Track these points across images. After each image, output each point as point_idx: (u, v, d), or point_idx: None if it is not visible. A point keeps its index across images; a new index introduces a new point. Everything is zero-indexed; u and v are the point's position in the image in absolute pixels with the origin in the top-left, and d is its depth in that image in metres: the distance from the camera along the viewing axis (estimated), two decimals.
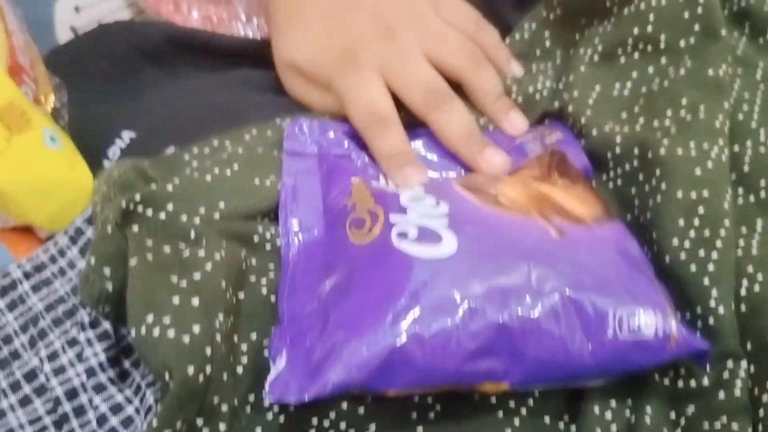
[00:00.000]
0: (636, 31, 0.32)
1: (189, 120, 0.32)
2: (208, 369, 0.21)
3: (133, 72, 0.36)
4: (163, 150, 0.30)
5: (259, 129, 0.31)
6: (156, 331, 0.21)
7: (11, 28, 0.32)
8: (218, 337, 0.22)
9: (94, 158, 0.32)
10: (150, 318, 0.22)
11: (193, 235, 0.26)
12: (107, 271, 0.24)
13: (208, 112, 0.33)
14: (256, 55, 0.36)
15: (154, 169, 0.28)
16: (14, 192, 0.27)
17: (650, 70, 0.31)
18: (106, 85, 0.35)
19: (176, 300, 0.23)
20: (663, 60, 0.31)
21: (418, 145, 0.31)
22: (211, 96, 0.34)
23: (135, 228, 0.25)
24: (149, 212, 0.26)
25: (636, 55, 0.32)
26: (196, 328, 0.22)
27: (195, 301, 0.23)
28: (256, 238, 0.27)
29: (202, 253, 0.25)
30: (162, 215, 0.26)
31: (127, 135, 0.32)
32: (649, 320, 0.22)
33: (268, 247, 0.27)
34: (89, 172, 0.30)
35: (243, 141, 0.31)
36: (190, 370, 0.21)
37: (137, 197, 0.25)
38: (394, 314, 0.21)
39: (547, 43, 0.36)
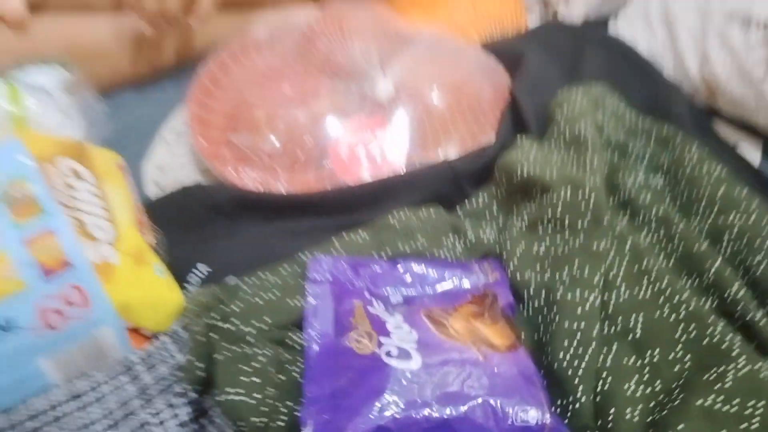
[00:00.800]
0: (550, 213, 0.48)
1: (247, 258, 0.47)
2: (265, 420, 0.36)
3: (207, 222, 0.52)
4: (228, 280, 0.45)
5: (290, 264, 0.47)
6: (234, 397, 0.36)
7: (131, 191, 0.48)
8: (269, 402, 0.37)
9: (179, 281, 0.47)
10: (230, 390, 0.36)
11: (251, 339, 0.40)
12: (200, 364, 0.38)
13: (259, 252, 0.48)
14: (293, 208, 0.52)
15: (223, 294, 0.43)
16: (136, 305, 0.42)
17: (557, 239, 0.47)
18: (188, 231, 0.51)
19: (244, 379, 0.37)
20: (566, 234, 0.47)
21: (410, 265, 0.46)
22: (263, 240, 0.50)
23: (215, 335, 0.40)
24: (223, 325, 0.41)
25: (549, 228, 0.47)
26: (257, 396, 0.36)
27: (256, 380, 0.37)
28: (289, 341, 0.41)
29: (257, 350, 0.39)
30: (231, 326, 0.41)
31: (203, 268, 0.47)
32: (534, 414, 0.36)
33: (297, 347, 0.41)
34: (180, 292, 0.45)
35: (280, 273, 0.46)
36: (255, 420, 0.35)
37: (215, 315, 0.40)
38: (381, 405, 0.35)
39: (494, 210, 0.52)
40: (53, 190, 0.39)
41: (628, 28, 0.68)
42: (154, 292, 0.43)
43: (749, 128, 0.60)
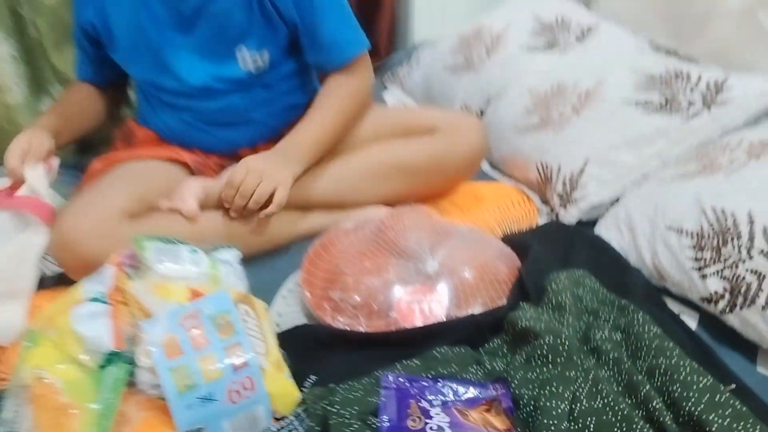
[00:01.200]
0: (539, 352, 0.73)
1: (339, 373, 0.73)
2: None
3: (314, 349, 0.78)
4: (330, 386, 0.71)
5: (369, 377, 0.72)
6: None
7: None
8: None
9: (298, 385, 0.72)
10: None
11: (347, 418, 0.65)
12: (318, 428, 0.64)
13: (348, 370, 0.74)
14: (370, 342, 0.79)
15: (327, 392, 0.69)
16: (275, 395, 0.67)
17: (543, 369, 0.71)
18: (302, 354, 0.77)
19: None
20: (549, 366, 0.71)
21: (447, 382, 0.71)
22: (350, 362, 0.76)
23: (328, 412, 0.65)
24: (331, 408, 0.66)
25: (538, 362, 0.72)
26: None
27: None
28: (370, 422, 0.66)
29: (353, 422, 0.64)
30: (334, 409, 0.66)
31: (313, 377, 0.73)
32: None
33: (374, 426, 0.66)
34: (298, 390, 0.70)
35: (363, 383, 0.72)
36: None
37: (326, 402, 0.66)
38: None
39: (504, 349, 0.77)
40: (240, 321, 0.67)
41: (605, 230, 0.97)
42: (285, 389, 0.69)
43: (689, 302, 0.86)
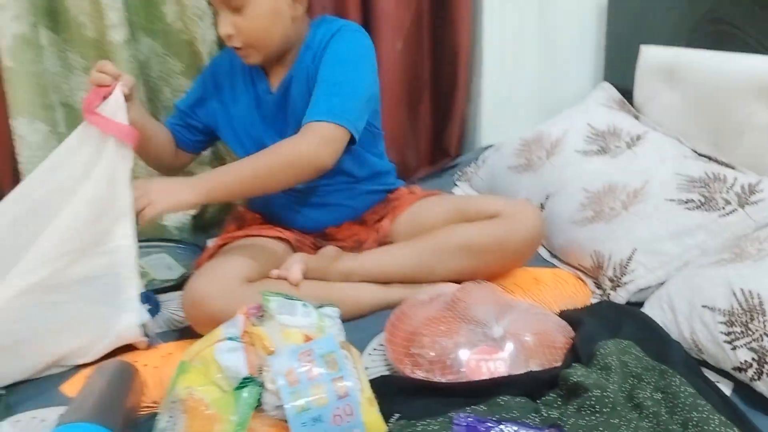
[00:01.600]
0: (588, 403, 0.86)
1: (419, 414, 0.88)
2: None
3: (397, 394, 0.94)
4: (411, 422, 0.86)
5: (444, 418, 0.87)
6: None
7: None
8: None
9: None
10: None
11: None
12: None
13: (425, 411, 0.89)
14: (444, 391, 0.94)
15: (410, 426, 0.84)
16: (370, 424, 0.83)
17: (593, 417, 0.85)
18: (388, 397, 0.93)
19: None
20: (597, 415, 0.85)
21: (509, 425, 0.85)
22: (427, 406, 0.91)
23: None
24: None
25: (588, 411, 0.86)
26: None
27: None
28: None
29: None
30: None
31: (396, 415, 0.89)
32: None
33: None
34: (385, 424, 0.86)
35: (439, 421, 0.86)
36: None
37: None
38: None
39: (558, 401, 0.91)
40: (343, 360, 0.84)
41: (650, 309, 1.11)
42: (376, 421, 0.84)
43: (724, 372, 0.98)
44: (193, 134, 1.37)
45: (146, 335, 1.11)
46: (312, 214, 1.34)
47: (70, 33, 1.45)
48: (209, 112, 1.36)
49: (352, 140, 1.18)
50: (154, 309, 1.20)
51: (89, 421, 0.80)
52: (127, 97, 1.11)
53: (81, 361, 1.08)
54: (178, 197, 1.08)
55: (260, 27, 1.18)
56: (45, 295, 1.03)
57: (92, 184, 1.06)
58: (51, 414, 0.96)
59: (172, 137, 1.36)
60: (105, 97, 1.08)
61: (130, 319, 1.09)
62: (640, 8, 1.70)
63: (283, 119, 1.27)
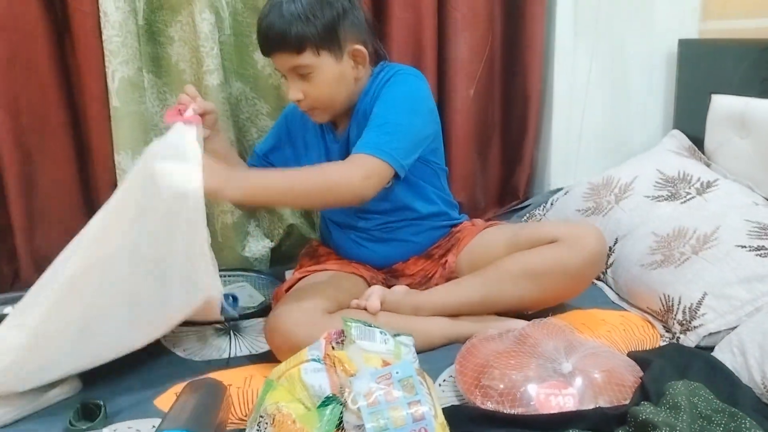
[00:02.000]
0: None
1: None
2: None
3: (467, 422, 0.98)
4: None
5: None
6: None
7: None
8: None
9: None
10: None
11: None
12: None
13: None
14: (513, 422, 0.97)
15: None
16: None
17: None
18: (457, 427, 0.97)
19: None
20: None
21: None
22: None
23: None
24: None
25: None
26: None
27: None
28: None
29: None
30: None
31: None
32: None
33: None
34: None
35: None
36: None
37: None
38: None
39: None
40: (419, 384, 0.89)
41: (720, 353, 1.12)
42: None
43: None
44: None
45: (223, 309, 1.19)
46: (379, 249, 1.41)
47: (170, 77, 1.59)
48: (283, 159, 1.46)
49: (396, 177, 1.25)
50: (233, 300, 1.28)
51: (185, 428, 0.87)
52: (211, 127, 1.24)
53: (160, 334, 1.18)
54: (223, 190, 1.10)
55: (326, 92, 1.27)
56: (113, 268, 1.06)
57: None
58: (145, 425, 1.05)
59: None
60: (181, 113, 1.18)
61: (210, 283, 1.12)
62: (711, 58, 1.73)
63: None
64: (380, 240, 1.40)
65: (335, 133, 1.38)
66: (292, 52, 1.22)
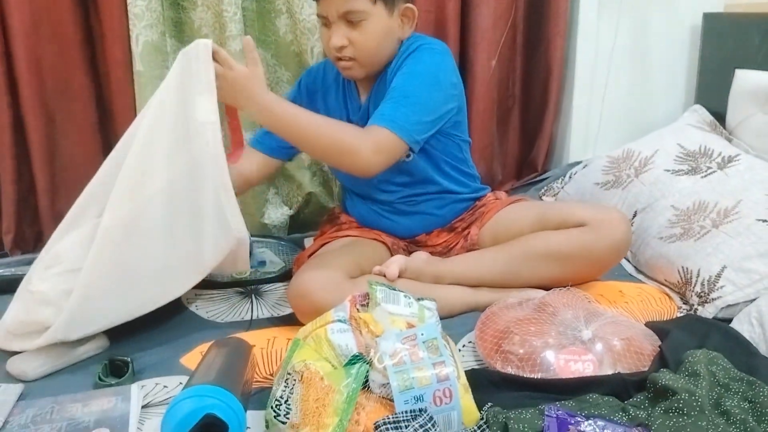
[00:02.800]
0: (676, 405, 0.90)
1: (507, 405, 0.94)
2: None
3: (487, 385, 1.00)
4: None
5: (535, 409, 0.92)
6: None
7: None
8: None
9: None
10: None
11: (523, 430, 0.86)
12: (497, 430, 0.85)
13: (515, 403, 0.94)
14: (533, 386, 0.99)
15: (504, 412, 0.90)
16: (464, 408, 0.89)
17: (680, 419, 0.88)
18: (479, 388, 0.98)
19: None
20: (684, 417, 0.88)
21: (596, 421, 0.89)
22: (516, 398, 0.96)
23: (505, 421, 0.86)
24: (507, 424, 0.87)
25: (676, 413, 0.89)
26: None
27: None
28: None
29: None
30: (508, 424, 0.87)
31: (487, 406, 0.95)
32: None
33: None
34: (478, 411, 0.92)
35: (531, 412, 0.92)
36: None
37: (503, 419, 0.87)
38: None
39: (646, 403, 0.95)
40: (443, 346, 0.91)
41: (738, 324, 1.13)
42: (470, 407, 0.91)
43: None
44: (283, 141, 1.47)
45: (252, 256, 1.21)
46: (403, 221, 1.41)
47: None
48: None
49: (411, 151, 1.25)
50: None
51: (214, 384, 0.89)
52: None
53: (194, 282, 1.17)
54: (246, 106, 1.12)
55: (373, 43, 1.25)
56: (155, 207, 1.09)
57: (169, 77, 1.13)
58: (173, 381, 1.07)
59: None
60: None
61: (240, 223, 1.13)
62: (735, 32, 1.71)
63: None
64: (403, 213, 1.41)
65: (359, 99, 1.38)
66: None
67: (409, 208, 1.40)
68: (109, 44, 1.51)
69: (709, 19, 1.79)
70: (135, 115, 1.51)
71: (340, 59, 1.27)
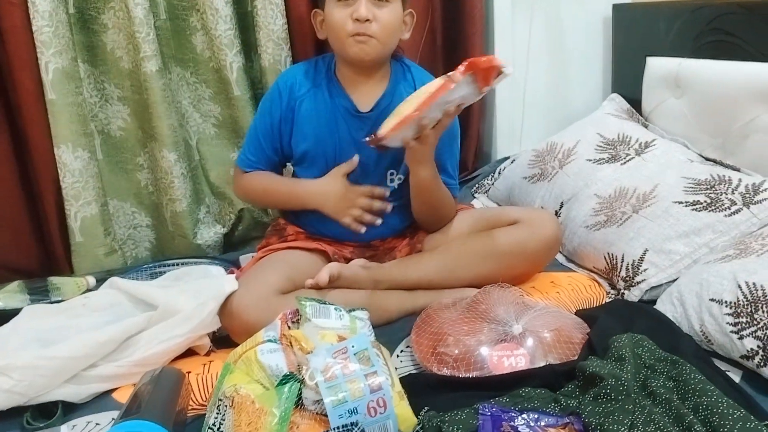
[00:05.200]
0: (604, 391, 0.92)
1: (444, 407, 0.95)
2: None
3: (424, 389, 1.00)
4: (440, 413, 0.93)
5: (470, 409, 0.93)
6: None
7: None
8: None
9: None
10: None
11: None
12: None
13: (452, 404, 0.95)
14: (469, 385, 1.00)
15: (439, 416, 0.91)
16: (399, 416, 0.90)
17: (608, 404, 0.91)
18: (413, 393, 0.99)
19: None
20: (613, 402, 0.91)
21: (530, 414, 0.91)
22: (453, 399, 0.97)
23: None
24: (441, 428, 0.88)
25: (604, 399, 0.92)
26: None
27: None
28: None
29: None
30: (442, 428, 0.88)
31: (426, 408, 0.95)
32: None
33: None
34: (414, 416, 0.92)
35: (466, 412, 0.93)
36: None
37: (437, 424, 0.88)
38: None
39: (576, 391, 0.97)
40: (375, 356, 0.91)
41: (661, 305, 1.17)
42: (406, 414, 0.91)
43: (733, 362, 1.03)
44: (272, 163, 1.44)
45: None
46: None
47: (107, 65, 1.55)
48: (285, 140, 1.39)
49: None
50: None
51: (145, 418, 0.87)
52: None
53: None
54: None
55: (393, 26, 1.30)
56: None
57: None
58: (105, 418, 1.04)
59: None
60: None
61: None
62: (644, 21, 1.77)
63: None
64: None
65: (352, 102, 1.35)
66: None
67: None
68: (18, 74, 1.45)
69: (618, 9, 1.85)
70: (50, 145, 1.48)
71: (357, 34, 1.27)
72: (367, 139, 1.20)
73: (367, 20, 1.25)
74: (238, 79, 1.58)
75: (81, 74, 1.53)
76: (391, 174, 1.37)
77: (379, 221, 1.32)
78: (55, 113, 1.47)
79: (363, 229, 1.31)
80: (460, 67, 1.12)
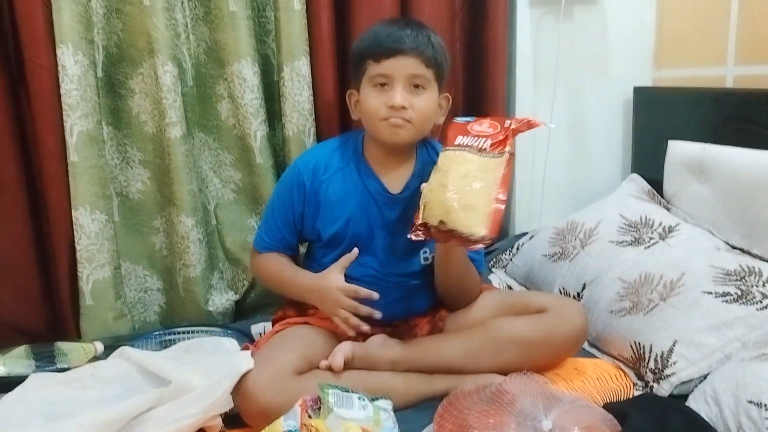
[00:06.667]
0: None
1: None
2: None
3: None
4: None
5: None
6: None
7: None
8: None
9: None
10: None
11: None
12: None
13: None
14: None
15: None
16: None
17: None
18: None
19: None
20: None
21: None
22: None
23: None
24: None
25: None
26: None
27: None
28: None
29: None
30: None
31: None
32: None
33: None
34: None
35: None
36: None
37: None
38: None
39: None
40: None
41: (694, 403, 1.13)
42: None
43: None
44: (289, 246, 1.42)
45: None
46: (380, 307, 1.30)
47: (131, 129, 1.55)
48: (308, 223, 1.36)
49: None
50: None
51: None
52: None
53: None
54: None
55: (429, 111, 1.30)
56: None
57: None
58: None
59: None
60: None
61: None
62: (665, 104, 1.78)
63: (403, 220, 1.29)
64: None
65: (382, 184, 1.34)
66: (423, 61, 1.25)
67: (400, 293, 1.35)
68: (42, 135, 1.44)
69: (639, 92, 1.87)
70: (68, 207, 1.46)
71: (391, 118, 1.26)
72: (420, 232, 1.18)
73: (403, 107, 1.26)
74: (262, 147, 1.58)
75: (104, 137, 1.53)
76: (425, 252, 1.35)
77: (365, 327, 1.25)
78: (76, 175, 1.46)
79: (352, 333, 1.25)
80: (508, 139, 1.20)
